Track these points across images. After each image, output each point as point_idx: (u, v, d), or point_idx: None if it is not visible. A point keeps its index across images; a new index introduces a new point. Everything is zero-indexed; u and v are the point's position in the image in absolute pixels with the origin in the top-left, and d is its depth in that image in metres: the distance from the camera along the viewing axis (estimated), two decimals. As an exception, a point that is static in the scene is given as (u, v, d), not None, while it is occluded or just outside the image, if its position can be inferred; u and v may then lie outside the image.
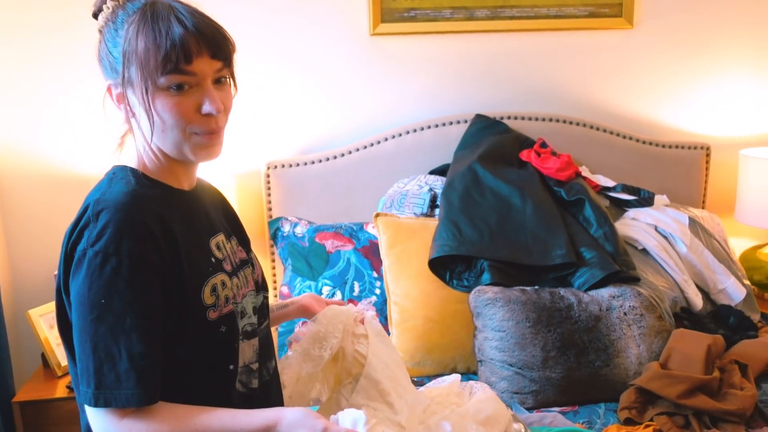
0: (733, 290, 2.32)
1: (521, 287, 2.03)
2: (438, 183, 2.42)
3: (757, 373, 1.97)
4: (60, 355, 2.22)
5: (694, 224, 2.40)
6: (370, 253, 2.29)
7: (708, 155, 2.73)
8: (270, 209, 2.55)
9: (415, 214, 2.34)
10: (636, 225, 2.36)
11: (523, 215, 2.18)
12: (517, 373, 1.90)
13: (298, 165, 2.53)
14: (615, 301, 2.00)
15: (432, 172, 2.53)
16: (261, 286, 1.35)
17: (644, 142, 2.68)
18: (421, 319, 2.08)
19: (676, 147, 2.70)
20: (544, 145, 2.46)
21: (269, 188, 2.54)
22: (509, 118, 2.60)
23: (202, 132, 1.14)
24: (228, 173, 2.51)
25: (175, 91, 1.10)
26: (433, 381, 1.61)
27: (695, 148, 2.71)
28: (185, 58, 1.08)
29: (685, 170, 2.71)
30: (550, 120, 2.63)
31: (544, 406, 1.88)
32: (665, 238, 2.33)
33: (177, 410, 1.08)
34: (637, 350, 1.95)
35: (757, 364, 1.98)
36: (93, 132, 2.42)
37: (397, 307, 2.11)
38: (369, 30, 2.55)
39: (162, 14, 1.09)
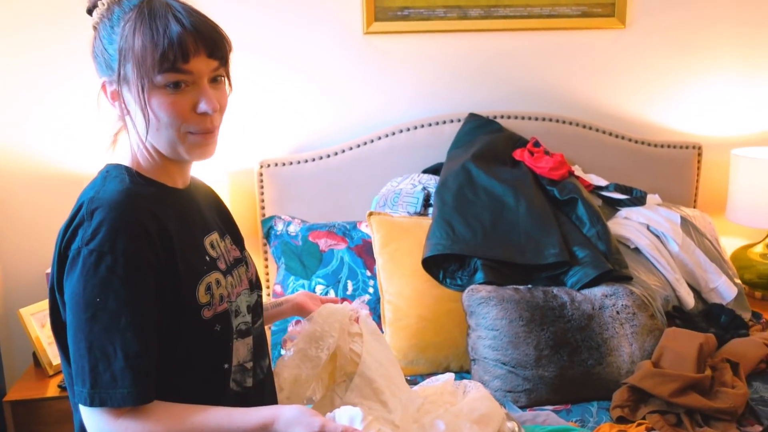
0: (725, 289, 2.33)
1: (514, 286, 2.03)
2: (431, 182, 2.42)
3: (748, 371, 1.98)
4: (51, 354, 2.21)
5: (685, 223, 2.41)
6: (364, 251, 2.29)
7: (700, 155, 2.74)
8: (263, 208, 2.55)
9: (408, 212, 2.34)
10: (628, 224, 2.37)
11: (517, 214, 2.19)
12: (511, 372, 1.90)
13: (291, 164, 2.53)
14: (607, 300, 2.00)
15: (425, 171, 2.53)
16: (255, 285, 1.34)
17: (637, 142, 2.70)
18: (414, 318, 2.08)
19: (668, 146, 2.72)
20: (537, 144, 2.47)
21: (262, 187, 2.53)
22: (502, 117, 2.61)
23: (198, 131, 1.13)
24: (221, 172, 2.50)
25: (171, 89, 1.10)
26: (427, 380, 1.61)
27: (687, 147, 2.72)
28: (182, 57, 1.08)
29: (677, 170, 2.72)
30: (543, 119, 2.63)
31: (537, 404, 1.88)
32: (657, 237, 2.34)
33: (172, 409, 1.07)
34: (629, 349, 1.96)
35: (748, 362, 2.00)
36: (84, 129, 2.41)
37: (391, 305, 2.11)
38: (362, 28, 2.55)
39: (159, 12, 1.08)
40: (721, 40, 2.74)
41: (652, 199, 2.52)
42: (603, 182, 2.52)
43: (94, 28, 1.14)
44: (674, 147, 2.72)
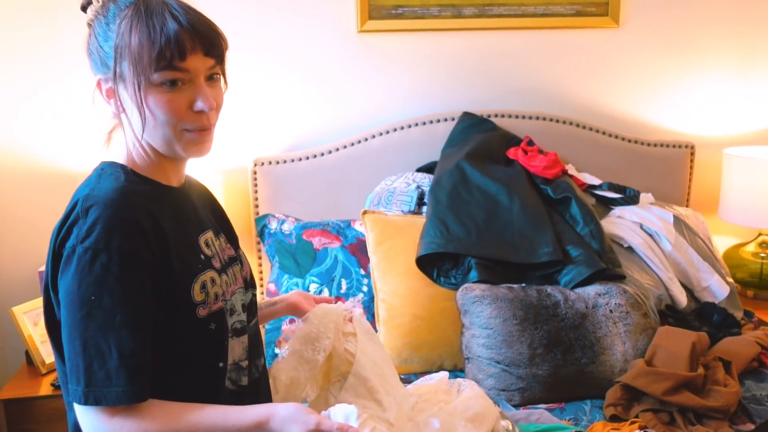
0: (717, 288, 2.34)
1: (508, 285, 2.04)
2: (425, 180, 2.43)
3: (741, 369, 1.99)
4: (44, 353, 2.20)
5: (678, 222, 2.42)
6: (358, 250, 2.29)
7: (692, 154, 2.75)
8: (257, 206, 2.55)
9: (402, 211, 2.34)
10: (622, 223, 2.38)
11: (510, 213, 2.19)
12: (504, 371, 1.90)
13: (285, 162, 2.53)
14: (601, 299, 2.01)
15: (419, 170, 2.53)
16: (249, 284, 1.34)
17: (630, 141, 2.71)
18: (408, 317, 2.08)
19: (662, 146, 2.72)
20: (531, 143, 2.47)
21: (256, 185, 2.53)
22: (496, 116, 2.61)
23: (194, 129, 1.13)
24: (215, 170, 2.50)
25: (168, 87, 1.09)
26: (421, 378, 1.61)
27: (680, 146, 2.73)
28: (179, 55, 1.08)
29: (669, 169, 2.73)
30: (537, 118, 2.64)
31: (530, 403, 1.89)
32: (650, 236, 2.35)
33: (167, 408, 1.07)
34: (622, 347, 1.96)
35: (740, 361, 2.01)
36: (78, 127, 2.40)
37: (385, 304, 2.11)
38: (357, 27, 2.55)
39: (156, 10, 1.08)
40: (714, 40, 2.75)
41: (645, 198, 2.53)
42: (596, 181, 2.53)
43: (89, 25, 1.14)
44: (667, 146, 2.73)
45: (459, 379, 1.56)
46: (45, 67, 2.37)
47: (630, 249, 2.30)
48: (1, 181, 2.41)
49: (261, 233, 2.47)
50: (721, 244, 2.77)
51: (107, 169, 1.16)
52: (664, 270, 2.27)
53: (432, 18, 2.58)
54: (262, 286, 2.56)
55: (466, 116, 2.56)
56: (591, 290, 2.04)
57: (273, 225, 2.43)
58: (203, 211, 1.30)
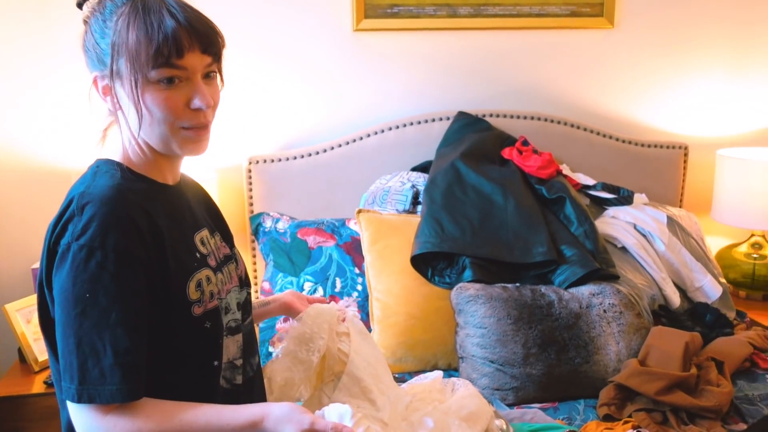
0: (710, 288, 2.35)
1: (503, 284, 2.04)
2: (420, 180, 2.43)
3: (733, 369, 2.00)
4: (37, 350, 2.19)
5: (672, 223, 2.43)
6: (352, 249, 2.29)
7: (686, 155, 2.76)
8: (251, 204, 2.54)
9: (397, 210, 2.35)
10: (615, 223, 2.39)
11: (505, 212, 2.20)
12: (498, 370, 1.91)
13: (280, 160, 2.52)
14: (595, 299, 2.02)
15: (414, 169, 2.53)
16: (244, 282, 1.34)
17: (624, 141, 2.71)
18: (402, 316, 2.08)
19: (655, 146, 2.73)
20: (525, 143, 2.48)
21: (251, 183, 2.52)
22: (491, 115, 2.62)
23: (191, 126, 1.13)
24: (209, 168, 2.50)
25: (165, 85, 1.09)
26: (415, 378, 1.61)
27: (673, 147, 2.74)
28: (177, 52, 1.07)
29: (663, 169, 2.74)
30: (532, 118, 2.64)
31: (524, 402, 1.89)
32: (644, 236, 2.36)
33: (162, 406, 1.07)
34: (616, 347, 1.97)
35: (733, 361, 2.01)
36: (71, 124, 2.39)
37: (379, 303, 2.11)
38: (352, 25, 2.54)
39: (153, 7, 1.08)
40: (708, 40, 2.76)
41: (639, 198, 2.54)
42: (590, 181, 2.53)
43: (85, 22, 1.13)
44: (661, 147, 2.74)
45: (453, 379, 1.56)
46: (39, 63, 2.36)
47: (624, 249, 2.31)
48: (-6, 178, 2.40)
49: (255, 232, 2.47)
50: (714, 245, 2.78)
51: (102, 166, 1.15)
52: (657, 270, 2.28)
53: (427, 17, 2.59)
54: (256, 284, 2.56)
55: (461, 116, 2.56)
56: (585, 290, 2.04)
57: (267, 223, 2.42)
58: (198, 210, 1.30)
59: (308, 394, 1.41)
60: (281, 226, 2.39)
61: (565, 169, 2.52)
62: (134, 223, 1.07)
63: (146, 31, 1.06)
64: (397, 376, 2.00)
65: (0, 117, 2.37)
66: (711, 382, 1.87)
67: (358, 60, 2.59)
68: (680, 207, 2.76)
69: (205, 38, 1.11)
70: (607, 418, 1.80)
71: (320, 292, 2.22)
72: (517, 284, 2.06)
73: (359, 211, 2.24)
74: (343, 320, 1.47)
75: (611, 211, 2.45)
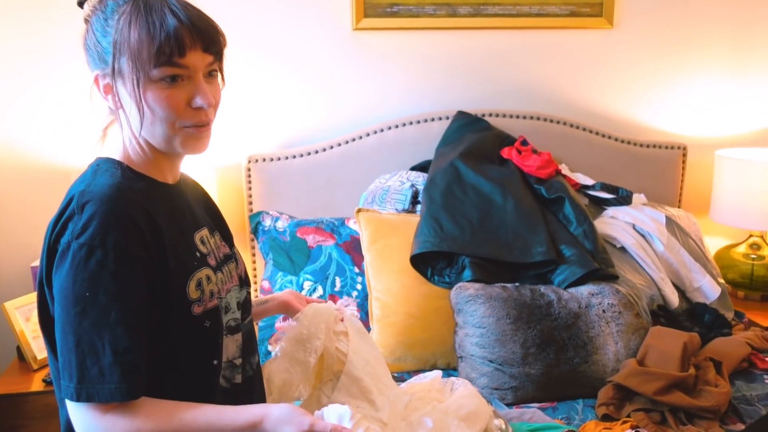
0: (708, 288, 2.36)
1: (502, 284, 2.04)
2: (420, 179, 2.43)
3: (731, 370, 2.01)
4: (36, 349, 2.19)
5: (670, 223, 2.43)
6: (352, 248, 2.29)
7: (684, 155, 2.77)
8: (251, 203, 2.54)
9: (396, 209, 2.35)
10: (614, 223, 2.39)
11: (504, 212, 2.20)
12: (497, 370, 1.91)
13: (279, 159, 2.52)
14: (594, 299, 2.02)
15: (413, 168, 2.53)
16: (244, 281, 1.34)
17: (623, 141, 2.72)
18: (402, 315, 2.09)
19: (654, 146, 2.74)
20: (524, 142, 2.48)
21: (250, 182, 2.52)
22: (490, 115, 2.62)
23: (192, 125, 1.13)
24: (208, 167, 2.49)
25: (167, 83, 1.09)
26: (414, 377, 1.61)
27: (672, 147, 2.74)
28: (179, 51, 1.07)
29: (662, 170, 2.74)
30: (531, 118, 2.64)
31: (523, 402, 1.89)
32: (643, 236, 2.36)
33: (161, 406, 1.07)
34: (614, 347, 1.97)
35: (731, 361, 2.02)
36: (72, 122, 2.39)
37: (379, 302, 2.12)
38: (352, 25, 2.54)
39: (155, 6, 1.07)
40: (707, 41, 2.77)
41: (638, 198, 2.54)
42: (589, 181, 2.53)
43: (86, 20, 1.13)
44: (660, 147, 2.74)
45: (452, 378, 1.56)
46: (39, 62, 2.36)
47: (623, 249, 2.31)
48: (-7, 176, 2.40)
49: (255, 230, 2.47)
50: (713, 245, 2.78)
51: (103, 165, 1.15)
52: (656, 270, 2.28)
53: (427, 17, 2.59)
54: (255, 283, 2.56)
55: (461, 115, 2.56)
56: (584, 290, 2.05)
57: (267, 222, 2.42)
58: (198, 209, 1.30)
59: (307, 393, 1.41)
60: (281, 225, 2.39)
61: (564, 169, 2.52)
62: (134, 222, 1.07)
63: (148, 29, 1.06)
64: (396, 375, 2.01)
65: (0, 116, 2.37)
66: (709, 383, 1.88)
67: (358, 59, 2.59)
68: (679, 207, 2.76)
69: (207, 37, 1.11)
70: (605, 417, 1.80)
71: (320, 291, 2.22)
72: (517, 284, 2.06)
73: (359, 211, 2.24)
74: (341, 320, 1.47)
75: (610, 211, 2.45)
